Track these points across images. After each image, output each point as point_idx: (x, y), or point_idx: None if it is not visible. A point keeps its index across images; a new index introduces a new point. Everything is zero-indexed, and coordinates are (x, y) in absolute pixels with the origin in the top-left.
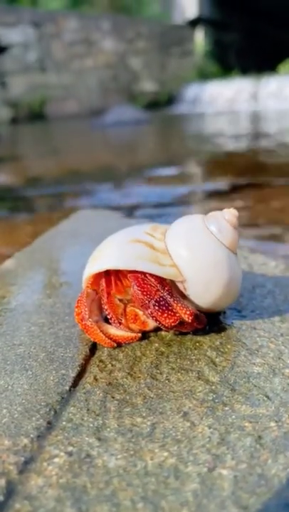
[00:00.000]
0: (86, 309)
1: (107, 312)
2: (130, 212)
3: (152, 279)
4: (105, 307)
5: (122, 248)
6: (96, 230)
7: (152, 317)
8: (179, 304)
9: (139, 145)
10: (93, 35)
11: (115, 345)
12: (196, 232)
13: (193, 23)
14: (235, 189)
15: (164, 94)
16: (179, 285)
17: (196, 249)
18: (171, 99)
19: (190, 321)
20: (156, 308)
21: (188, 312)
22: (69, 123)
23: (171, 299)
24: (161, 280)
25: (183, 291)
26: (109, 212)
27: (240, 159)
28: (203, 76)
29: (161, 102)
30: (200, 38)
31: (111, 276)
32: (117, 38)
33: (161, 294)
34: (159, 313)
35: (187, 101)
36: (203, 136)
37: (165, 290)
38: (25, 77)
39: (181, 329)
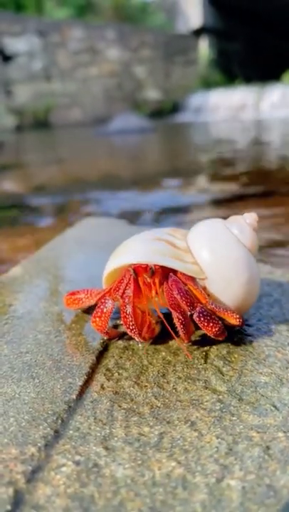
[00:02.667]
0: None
1: (130, 321)
2: (135, 219)
3: (193, 290)
4: (130, 318)
5: (144, 245)
6: (101, 238)
7: (182, 325)
8: (229, 310)
9: (143, 153)
10: (98, 44)
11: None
12: (217, 232)
13: (197, 33)
14: (240, 197)
15: (168, 103)
16: (200, 283)
17: (218, 247)
18: (175, 108)
19: (240, 323)
20: (202, 319)
21: (237, 316)
22: (73, 131)
23: (219, 308)
24: (201, 291)
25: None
26: (114, 219)
27: (244, 168)
28: (207, 85)
29: (165, 111)
30: (204, 47)
31: (135, 284)
32: (121, 46)
33: (202, 305)
34: (205, 324)
35: (191, 109)
36: (207, 145)
37: (209, 302)
38: (30, 86)
39: (219, 337)
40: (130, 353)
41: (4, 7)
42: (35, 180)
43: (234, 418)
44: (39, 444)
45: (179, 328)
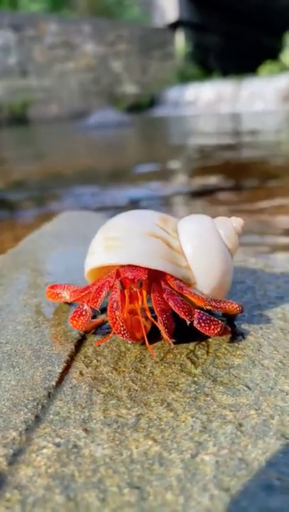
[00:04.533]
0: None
1: (120, 325)
2: (113, 213)
3: (189, 296)
4: (120, 322)
5: (139, 242)
6: (79, 231)
7: (167, 329)
8: (227, 302)
9: (121, 147)
10: (74, 38)
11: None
12: (208, 235)
13: (174, 26)
14: (216, 189)
15: (146, 97)
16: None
17: (210, 255)
18: (152, 102)
19: (240, 311)
20: (203, 324)
21: (236, 305)
22: (51, 126)
23: (219, 303)
24: (198, 296)
25: None
26: (92, 213)
27: (220, 161)
28: (184, 78)
29: (142, 105)
30: (180, 40)
31: (122, 295)
32: (97, 41)
33: (199, 311)
34: (207, 328)
35: (168, 103)
36: (183, 138)
37: (207, 301)
38: (5, 81)
39: (224, 334)
40: (108, 340)
41: None
42: (13, 176)
43: (208, 398)
44: (20, 429)
45: (163, 332)
